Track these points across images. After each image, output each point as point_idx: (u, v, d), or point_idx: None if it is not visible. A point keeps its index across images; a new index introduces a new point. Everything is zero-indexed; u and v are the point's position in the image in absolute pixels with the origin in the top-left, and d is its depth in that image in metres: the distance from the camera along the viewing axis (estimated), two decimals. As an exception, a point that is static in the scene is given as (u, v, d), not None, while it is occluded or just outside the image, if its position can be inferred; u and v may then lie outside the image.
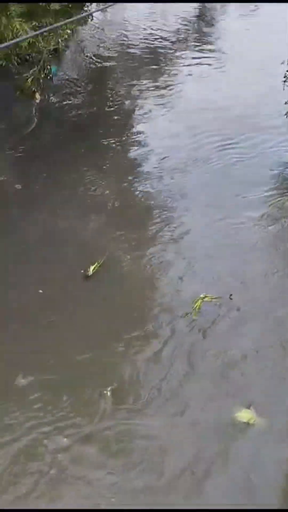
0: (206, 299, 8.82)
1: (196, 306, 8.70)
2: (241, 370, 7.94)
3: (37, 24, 11.79)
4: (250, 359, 8.08)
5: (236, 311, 8.84)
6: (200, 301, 8.77)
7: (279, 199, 11.18)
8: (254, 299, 9.11)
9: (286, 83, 12.30)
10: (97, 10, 16.29)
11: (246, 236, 10.29)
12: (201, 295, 8.85)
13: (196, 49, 19.88)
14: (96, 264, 9.38)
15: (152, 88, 16.69)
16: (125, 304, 8.90)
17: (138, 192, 11.64)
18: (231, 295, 9.01)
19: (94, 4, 15.99)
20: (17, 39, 9.78)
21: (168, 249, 10.11)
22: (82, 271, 9.33)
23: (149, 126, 14.50)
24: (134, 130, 14.38)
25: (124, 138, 13.86)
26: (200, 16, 25.45)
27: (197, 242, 10.29)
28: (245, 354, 8.17)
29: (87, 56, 19.42)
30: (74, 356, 7.96)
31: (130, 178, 12.20)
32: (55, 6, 10.69)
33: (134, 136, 14.04)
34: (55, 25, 9.62)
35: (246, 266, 9.69)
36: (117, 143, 13.61)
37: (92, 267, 9.32)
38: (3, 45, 4.16)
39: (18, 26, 10.46)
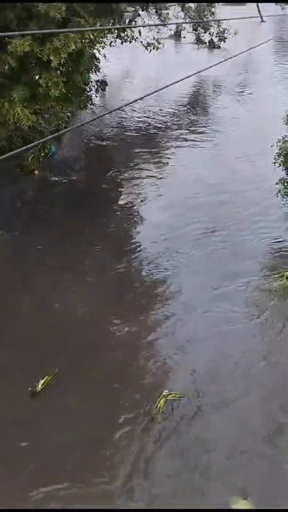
0: (169, 397, 8.14)
1: (159, 406, 8.00)
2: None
3: (38, 108, 12.40)
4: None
5: (199, 411, 8.04)
6: (163, 400, 8.07)
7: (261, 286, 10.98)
8: (223, 396, 8.37)
9: (276, 165, 12.74)
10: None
11: (227, 327, 9.75)
12: (164, 393, 8.20)
13: (189, 133, 20.81)
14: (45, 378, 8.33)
15: (147, 169, 17.27)
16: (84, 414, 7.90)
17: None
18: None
19: (93, 90, 17.02)
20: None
21: (139, 345, 9.47)
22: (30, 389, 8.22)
23: (143, 206, 14.86)
24: (128, 210, 14.69)
25: (118, 219, 14.08)
26: (194, 101, 27.07)
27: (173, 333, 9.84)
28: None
29: (86, 136, 20.34)
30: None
31: (118, 265, 12.00)
32: (55, 92, 11.25)
33: (129, 216, 14.30)
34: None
35: (222, 360, 9.11)
36: (111, 225, 13.82)
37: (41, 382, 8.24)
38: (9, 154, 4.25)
39: (19, 111, 10.95)
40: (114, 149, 18.99)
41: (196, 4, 34.61)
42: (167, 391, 8.30)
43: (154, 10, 17.90)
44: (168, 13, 19.29)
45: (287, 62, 35.94)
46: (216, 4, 35.36)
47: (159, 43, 14.14)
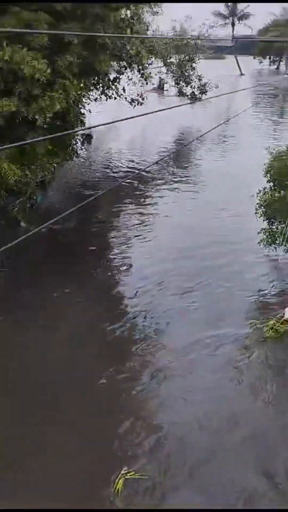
0: (128, 475, 7.17)
1: (117, 487, 7.02)
2: None
3: (25, 163, 12.68)
4: None
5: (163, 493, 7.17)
6: (121, 480, 7.07)
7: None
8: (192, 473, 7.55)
9: (257, 215, 13.06)
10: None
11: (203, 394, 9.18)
12: (123, 471, 7.19)
13: (173, 183, 21.33)
14: None
15: (132, 219, 17.56)
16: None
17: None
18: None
19: (79, 143, 17.49)
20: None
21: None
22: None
23: (128, 254, 15.02)
24: (113, 257, 14.81)
25: (103, 269, 14.14)
26: (177, 152, 27.89)
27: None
28: None
29: (72, 185, 20.73)
30: None
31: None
32: (41, 149, 11.56)
33: (114, 266, 14.40)
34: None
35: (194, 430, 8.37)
36: (96, 271, 13.89)
37: None
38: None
39: (6, 167, 11.19)
40: (99, 198, 19.29)
41: (177, 59, 36.18)
42: (126, 468, 7.26)
43: (137, 68, 18.69)
44: (150, 72, 20.11)
45: (264, 113, 37.43)
46: (197, 59, 36.94)
47: (142, 99, 14.68)
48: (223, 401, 9.07)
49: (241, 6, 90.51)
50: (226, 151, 26.81)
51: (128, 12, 15.54)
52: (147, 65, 19.57)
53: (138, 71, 19.34)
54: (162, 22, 34.45)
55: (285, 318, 10.94)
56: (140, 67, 18.55)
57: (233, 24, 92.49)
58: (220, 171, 22.87)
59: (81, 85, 11.51)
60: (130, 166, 23.97)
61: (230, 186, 20.12)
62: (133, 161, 25.03)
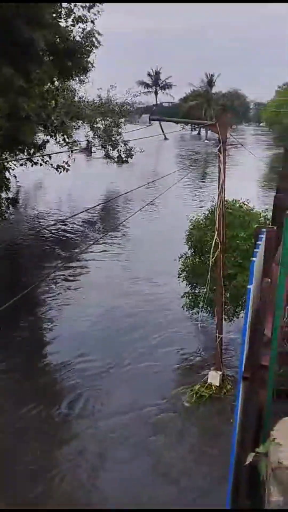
0: None
1: None
2: None
3: None
4: None
5: None
6: None
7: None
8: None
9: (180, 279, 13.45)
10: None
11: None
12: None
13: (100, 245, 21.53)
14: None
15: (59, 282, 17.42)
16: None
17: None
18: None
19: (4, 207, 17.36)
20: None
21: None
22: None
23: (58, 313, 14.81)
24: (44, 315, 14.52)
25: (30, 331, 13.82)
26: (105, 214, 28.46)
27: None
28: None
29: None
30: None
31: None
32: None
33: (40, 329, 14.09)
34: None
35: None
36: (22, 337, 13.50)
37: None
38: None
39: None
40: (27, 257, 19.07)
41: (104, 124, 37.67)
42: None
43: (62, 137, 19.20)
44: (75, 140, 20.72)
45: (188, 177, 39.28)
46: (123, 124, 38.62)
47: (68, 165, 15.02)
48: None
49: (163, 76, 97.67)
50: (151, 213, 27.66)
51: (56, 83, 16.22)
52: (72, 133, 20.16)
53: (63, 139, 19.85)
54: (89, 90, 35.96)
55: (209, 382, 11.10)
56: (65, 136, 19.06)
57: (156, 93, 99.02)
58: (146, 234, 23.47)
59: (4, 156, 11.56)
60: (56, 228, 24.02)
61: (155, 250, 20.65)
62: (60, 222, 25.14)
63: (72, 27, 15.62)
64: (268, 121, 73.79)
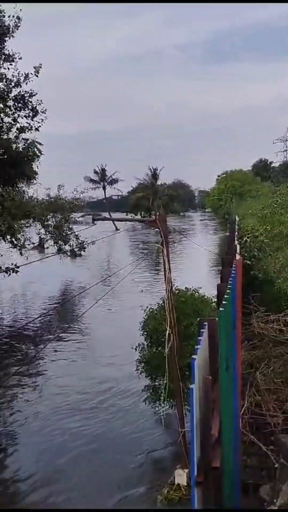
0: None
1: None
2: None
3: None
4: None
5: None
6: None
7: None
8: None
9: (138, 371, 13.12)
10: None
11: None
12: None
13: (59, 340, 21.03)
14: None
15: (17, 379, 16.66)
16: None
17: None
18: None
19: None
20: None
21: None
22: None
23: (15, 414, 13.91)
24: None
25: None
26: (62, 307, 28.09)
27: None
28: None
29: None
30: None
31: None
32: None
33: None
34: None
35: None
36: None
37: None
38: None
39: None
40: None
41: (54, 221, 38.46)
42: None
43: (9, 239, 19.35)
44: (24, 242, 20.92)
45: (141, 268, 39.85)
46: (72, 219, 39.43)
47: (17, 268, 14.97)
48: None
49: (109, 172, 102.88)
50: (108, 304, 27.54)
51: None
52: (19, 236, 20.39)
53: (10, 242, 19.96)
54: (37, 190, 37.04)
55: (177, 482, 10.44)
56: (13, 239, 19.20)
57: (104, 188, 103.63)
58: (106, 324, 23.19)
59: None
60: (12, 324, 23.36)
61: (113, 343, 20.32)
62: (16, 319, 24.53)
63: (15, 139, 16.36)
64: (212, 207, 77.68)
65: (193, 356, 4.89)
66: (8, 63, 17.85)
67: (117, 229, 77.31)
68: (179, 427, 10.85)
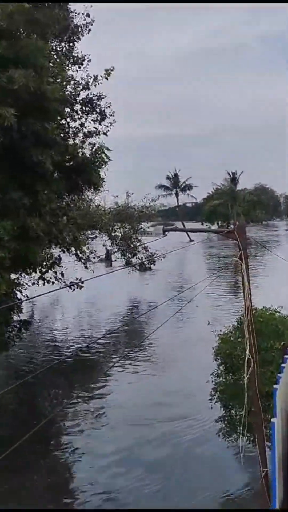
0: None
1: None
2: None
3: None
4: None
5: None
6: None
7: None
8: None
9: (212, 401, 13.11)
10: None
11: None
12: None
13: (127, 363, 21.47)
14: None
15: (84, 407, 17.24)
16: None
17: None
18: None
19: (15, 330, 17.76)
20: None
21: None
22: None
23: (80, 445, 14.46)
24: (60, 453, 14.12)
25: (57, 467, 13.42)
26: (130, 327, 28.58)
27: None
28: None
29: (11, 366, 20.49)
30: None
31: None
32: None
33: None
34: None
35: None
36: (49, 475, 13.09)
37: None
38: None
39: None
40: (46, 381, 19.01)
41: (122, 231, 39.35)
42: None
43: (74, 252, 20.12)
44: (88, 255, 21.61)
45: (218, 284, 39.59)
46: (141, 230, 40.09)
47: (82, 283, 15.59)
48: None
49: (183, 178, 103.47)
50: (180, 326, 27.63)
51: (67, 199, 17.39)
52: (83, 248, 21.15)
53: (75, 254, 20.75)
54: (105, 197, 38.13)
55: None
56: (78, 251, 19.96)
57: (176, 194, 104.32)
58: (174, 349, 23.31)
59: (14, 279, 12.16)
60: (81, 340, 24.15)
61: (185, 367, 20.40)
62: (80, 340, 25.33)
63: (81, 144, 17.09)
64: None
65: (274, 386, 4.92)
66: (77, 66, 18.72)
67: (191, 240, 77.50)
68: (260, 465, 10.71)
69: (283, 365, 5.07)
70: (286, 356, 5.47)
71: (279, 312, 13.31)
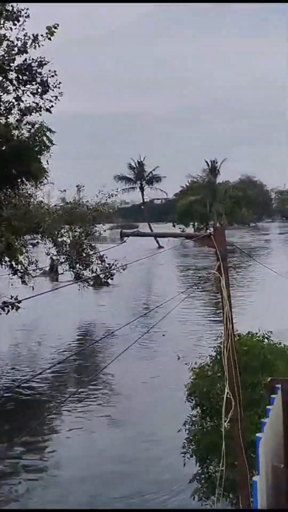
0: None
1: None
2: None
3: None
4: None
5: None
6: None
7: None
8: None
9: (186, 455, 13.17)
10: None
11: None
12: None
13: (77, 402, 21.42)
14: None
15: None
16: None
17: None
18: None
19: None
20: None
21: None
22: None
23: None
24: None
25: None
26: (82, 358, 28.48)
27: None
28: None
29: None
30: None
31: None
32: None
33: None
34: None
35: None
36: None
37: None
38: None
39: None
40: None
41: (71, 236, 39.16)
42: None
43: (7, 263, 19.94)
44: (31, 262, 21.34)
45: (194, 301, 39.87)
46: (96, 242, 39.88)
47: (19, 302, 15.43)
48: None
49: (149, 168, 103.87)
50: (145, 357, 27.68)
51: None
52: (22, 259, 20.97)
53: (9, 266, 20.57)
54: (49, 192, 37.95)
55: None
56: (13, 262, 19.80)
57: (141, 188, 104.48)
58: (136, 389, 23.34)
59: None
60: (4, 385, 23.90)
61: (150, 415, 20.47)
62: (11, 377, 25.09)
63: (17, 123, 16.98)
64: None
65: (258, 435, 4.97)
66: (11, 22, 18.60)
67: (160, 247, 77.99)
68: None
69: (269, 407, 5.13)
70: (273, 396, 5.53)
71: (268, 339, 13.50)
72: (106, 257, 38.94)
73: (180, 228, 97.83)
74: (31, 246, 33.42)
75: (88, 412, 20.94)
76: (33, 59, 18.73)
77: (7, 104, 17.74)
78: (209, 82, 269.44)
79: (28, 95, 18.66)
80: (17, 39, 18.52)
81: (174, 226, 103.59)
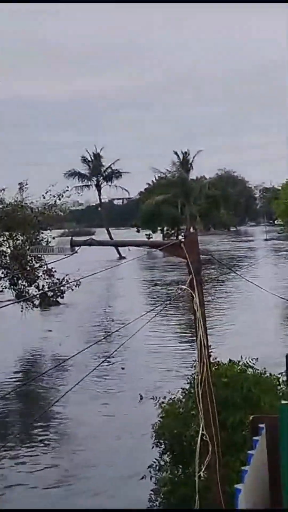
0: None
1: None
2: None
3: None
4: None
5: None
6: None
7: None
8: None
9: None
10: None
11: None
12: None
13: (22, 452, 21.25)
14: None
15: None
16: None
17: None
18: None
19: None
20: None
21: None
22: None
23: None
24: None
25: None
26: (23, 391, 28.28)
27: None
28: None
29: None
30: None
31: None
32: None
33: None
34: None
35: None
36: None
37: None
38: None
39: None
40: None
41: (12, 245, 38.96)
42: None
43: None
44: None
45: (162, 323, 39.93)
46: (43, 241, 39.81)
47: None
48: None
49: (107, 162, 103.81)
50: (102, 394, 27.62)
51: None
52: None
53: None
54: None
55: None
56: None
57: (98, 186, 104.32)
58: (95, 427, 23.27)
59: None
60: None
61: (105, 470, 20.40)
62: None
63: None
64: (286, 216, 77.87)
65: (236, 486, 4.95)
66: None
67: (121, 257, 78.07)
68: None
69: (251, 452, 5.11)
70: (255, 438, 5.51)
71: (252, 368, 13.58)
72: (55, 271, 38.91)
73: (146, 235, 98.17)
74: None
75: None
76: None
77: None
78: (181, 54, 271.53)
79: None
80: None
81: (138, 231, 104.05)
